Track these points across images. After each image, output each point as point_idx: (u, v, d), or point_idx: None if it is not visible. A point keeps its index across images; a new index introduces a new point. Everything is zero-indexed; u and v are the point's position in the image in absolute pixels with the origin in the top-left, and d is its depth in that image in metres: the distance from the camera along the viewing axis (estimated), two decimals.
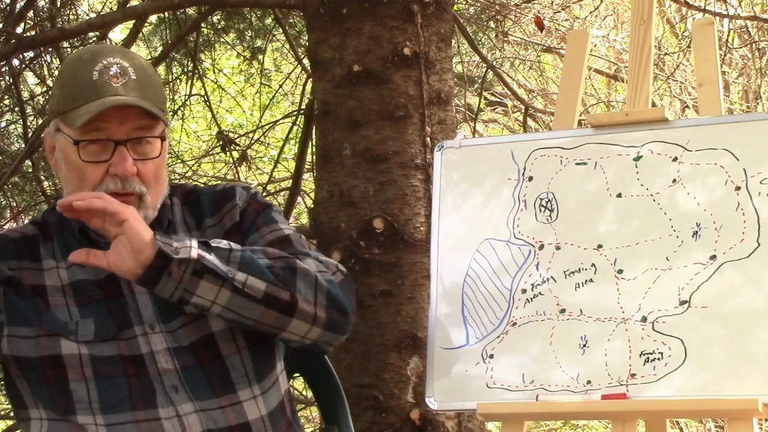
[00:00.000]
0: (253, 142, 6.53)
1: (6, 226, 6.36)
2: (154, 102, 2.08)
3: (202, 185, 2.34)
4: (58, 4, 5.58)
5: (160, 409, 2.02)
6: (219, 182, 7.34)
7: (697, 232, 2.34)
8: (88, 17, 6.13)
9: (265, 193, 6.01)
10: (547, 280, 2.43)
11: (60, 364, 2.04)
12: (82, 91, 2.05)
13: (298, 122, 5.74)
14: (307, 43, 3.54)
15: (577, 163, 2.48)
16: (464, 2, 6.31)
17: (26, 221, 2.19)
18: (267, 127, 6.62)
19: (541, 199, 2.49)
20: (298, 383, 6.01)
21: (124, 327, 2.07)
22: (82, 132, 2.05)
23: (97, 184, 2.06)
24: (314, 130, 3.46)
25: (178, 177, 6.57)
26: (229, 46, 6.52)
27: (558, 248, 2.44)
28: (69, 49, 5.84)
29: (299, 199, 6.07)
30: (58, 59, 5.71)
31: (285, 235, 2.17)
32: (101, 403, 2.02)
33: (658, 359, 2.30)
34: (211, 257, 1.98)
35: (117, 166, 2.05)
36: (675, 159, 2.39)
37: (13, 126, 6.11)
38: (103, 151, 2.06)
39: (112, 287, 2.10)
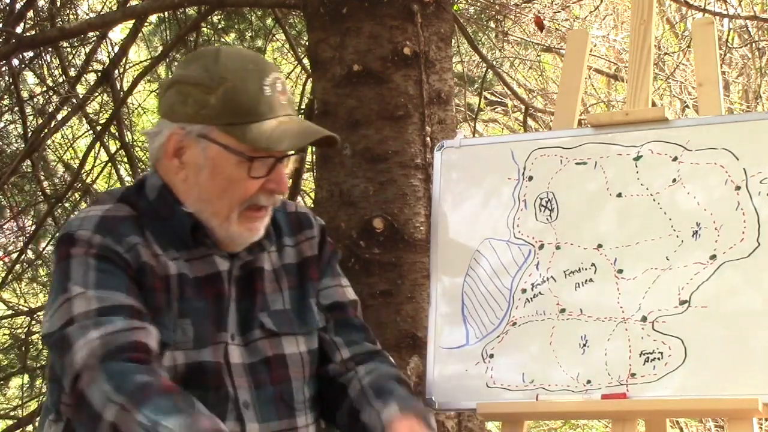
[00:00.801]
0: None
1: (6, 226, 6.36)
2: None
3: None
4: (58, 3, 5.58)
5: (228, 422, 2.03)
6: None
7: (697, 231, 2.34)
8: (87, 17, 6.13)
9: None
10: (547, 279, 2.43)
11: None
12: (255, 106, 2.04)
13: None
14: (307, 43, 3.54)
15: (577, 163, 2.48)
16: (464, 2, 6.31)
17: (110, 199, 2.13)
18: None
19: (541, 199, 2.49)
20: None
21: (219, 330, 2.07)
22: (254, 150, 2.04)
23: (248, 198, 2.07)
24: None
25: None
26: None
27: (558, 248, 2.44)
28: (69, 49, 5.85)
29: (299, 199, 6.07)
30: (57, 59, 5.71)
31: (355, 300, 2.28)
32: None
33: (658, 359, 2.30)
34: None
35: (278, 184, 2.08)
36: (675, 159, 2.39)
37: (12, 126, 6.11)
38: (262, 166, 2.06)
39: (214, 287, 2.09)
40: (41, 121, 5.57)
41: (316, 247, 2.24)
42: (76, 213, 2.09)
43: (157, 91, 2.22)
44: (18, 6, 5.36)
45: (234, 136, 2.04)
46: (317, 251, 2.24)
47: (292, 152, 2.12)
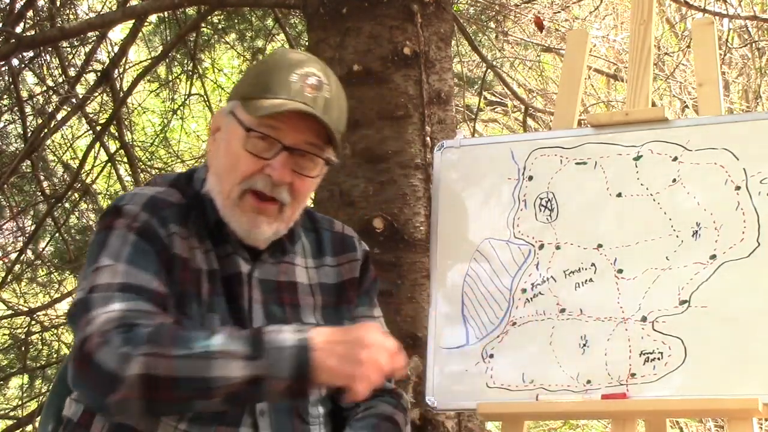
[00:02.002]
0: None
1: (5, 227, 6.35)
2: (336, 126, 2.09)
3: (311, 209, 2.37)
4: (58, 3, 5.58)
5: (242, 428, 2.01)
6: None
7: (697, 231, 2.34)
8: (87, 17, 6.13)
9: None
10: (547, 279, 2.43)
11: None
12: (275, 86, 2.04)
13: None
14: (307, 43, 3.54)
15: (577, 163, 2.48)
16: (464, 2, 6.31)
17: (163, 182, 2.16)
18: None
19: (541, 199, 2.49)
20: None
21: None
22: (257, 123, 2.03)
23: (246, 178, 2.04)
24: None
25: None
26: (228, 46, 6.51)
27: (558, 248, 2.44)
28: (69, 49, 5.84)
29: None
30: (57, 59, 5.71)
31: (386, 333, 2.21)
32: (195, 413, 1.98)
33: (658, 359, 2.30)
34: None
35: (275, 170, 2.04)
36: (675, 159, 2.39)
37: (12, 126, 6.11)
38: (267, 150, 2.04)
39: (235, 288, 2.08)
40: (41, 121, 5.57)
41: (357, 270, 2.23)
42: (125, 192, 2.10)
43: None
44: (18, 6, 5.36)
45: (245, 110, 2.05)
46: (358, 275, 2.24)
47: (309, 149, 2.08)
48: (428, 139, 3.12)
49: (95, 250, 2.00)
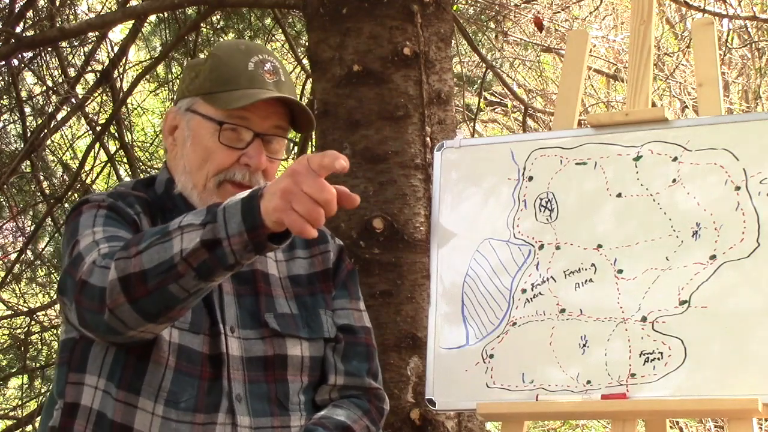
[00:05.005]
0: None
1: (5, 227, 6.36)
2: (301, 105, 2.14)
3: None
4: (58, 3, 5.58)
5: (220, 414, 2.02)
6: None
7: (696, 232, 2.34)
8: (87, 17, 6.13)
9: None
10: (547, 279, 2.43)
11: (150, 341, 1.99)
12: (235, 77, 2.09)
13: None
14: (306, 43, 3.54)
15: (577, 163, 2.48)
16: (464, 2, 6.31)
17: (123, 185, 2.22)
18: None
19: (541, 199, 2.49)
20: None
21: (213, 323, 2.06)
22: (227, 115, 2.07)
23: (223, 170, 2.08)
24: (314, 129, 3.46)
25: None
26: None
27: (558, 248, 2.44)
28: (68, 49, 5.85)
29: None
30: (57, 59, 5.71)
31: (369, 327, 2.26)
32: (170, 394, 2.01)
33: (658, 359, 2.30)
34: None
35: (252, 158, 2.08)
36: (675, 159, 2.40)
37: (12, 126, 6.11)
38: (238, 140, 2.09)
39: None
40: (41, 121, 5.57)
41: (330, 261, 2.25)
42: None
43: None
44: (18, 6, 5.36)
45: (211, 104, 2.09)
46: (331, 266, 2.25)
47: (278, 133, 2.12)
48: (428, 139, 3.13)
49: (68, 236, 2.04)
